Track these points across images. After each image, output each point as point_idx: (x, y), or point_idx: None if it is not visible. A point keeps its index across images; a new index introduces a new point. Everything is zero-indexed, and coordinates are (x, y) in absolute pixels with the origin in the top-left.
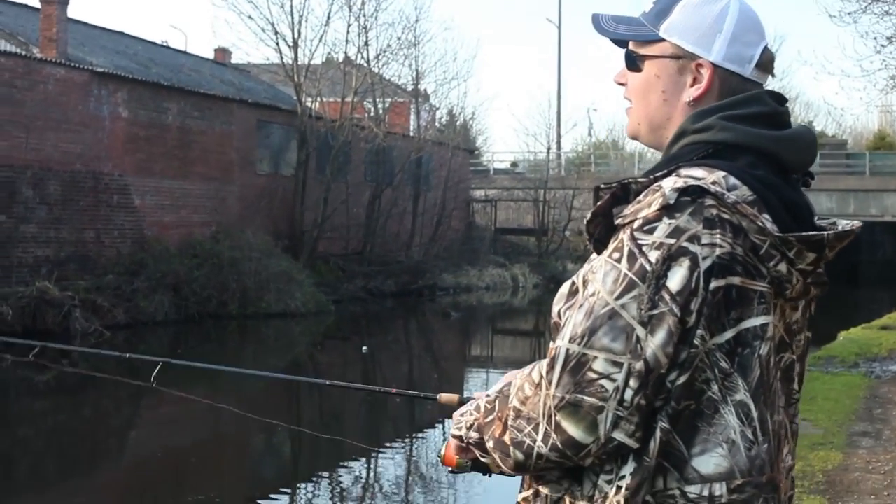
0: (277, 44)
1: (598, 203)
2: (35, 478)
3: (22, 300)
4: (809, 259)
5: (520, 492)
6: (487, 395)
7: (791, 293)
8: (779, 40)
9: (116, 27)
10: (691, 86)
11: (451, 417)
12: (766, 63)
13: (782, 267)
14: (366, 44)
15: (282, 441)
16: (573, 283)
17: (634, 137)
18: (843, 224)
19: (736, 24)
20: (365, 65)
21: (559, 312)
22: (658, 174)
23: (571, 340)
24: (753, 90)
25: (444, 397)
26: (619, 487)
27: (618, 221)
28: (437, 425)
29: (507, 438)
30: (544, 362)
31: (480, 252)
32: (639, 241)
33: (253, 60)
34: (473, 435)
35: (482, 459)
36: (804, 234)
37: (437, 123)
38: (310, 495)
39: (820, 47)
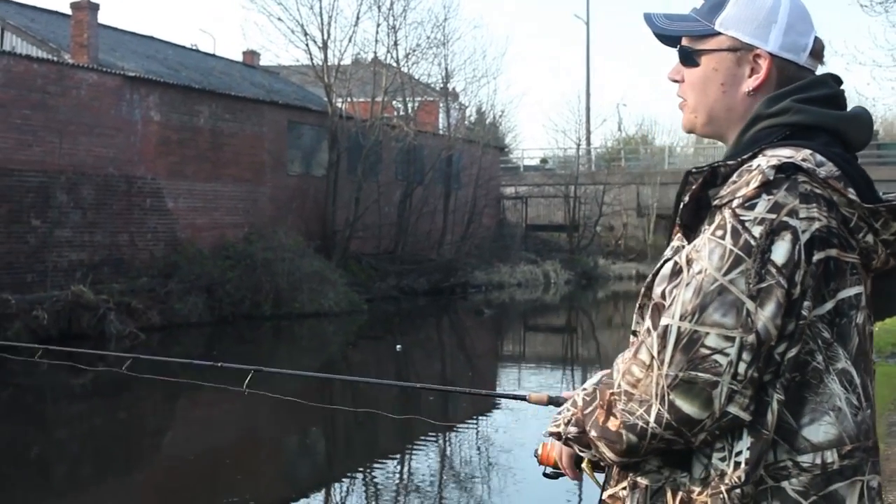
0: (307, 45)
1: (693, 187)
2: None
3: (57, 304)
4: (894, 229)
5: (605, 489)
6: (584, 389)
7: (876, 263)
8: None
9: (146, 32)
10: (750, 76)
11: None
12: (818, 51)
13: (869, 238)
14: (395, 43)
15: (336, 433)
16: (676, 263)
17: (690, 131)
18: None
19: (790, 14)
20: (394, 64)
21: (664, 293)
22: (745, 157)
23: (682, 318)
24: (810, 77)
25: (534, 396)
26: (737, 464)
27: (715, 202)
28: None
29: (613, 424)
30: (653, 342)
31: (512, 249)
32: (741, 218)
33: (282, 62)
34: (572, 430)
35: (581, 454)
36: (893, 202)
37: (466, 122)
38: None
39: (851, 37)
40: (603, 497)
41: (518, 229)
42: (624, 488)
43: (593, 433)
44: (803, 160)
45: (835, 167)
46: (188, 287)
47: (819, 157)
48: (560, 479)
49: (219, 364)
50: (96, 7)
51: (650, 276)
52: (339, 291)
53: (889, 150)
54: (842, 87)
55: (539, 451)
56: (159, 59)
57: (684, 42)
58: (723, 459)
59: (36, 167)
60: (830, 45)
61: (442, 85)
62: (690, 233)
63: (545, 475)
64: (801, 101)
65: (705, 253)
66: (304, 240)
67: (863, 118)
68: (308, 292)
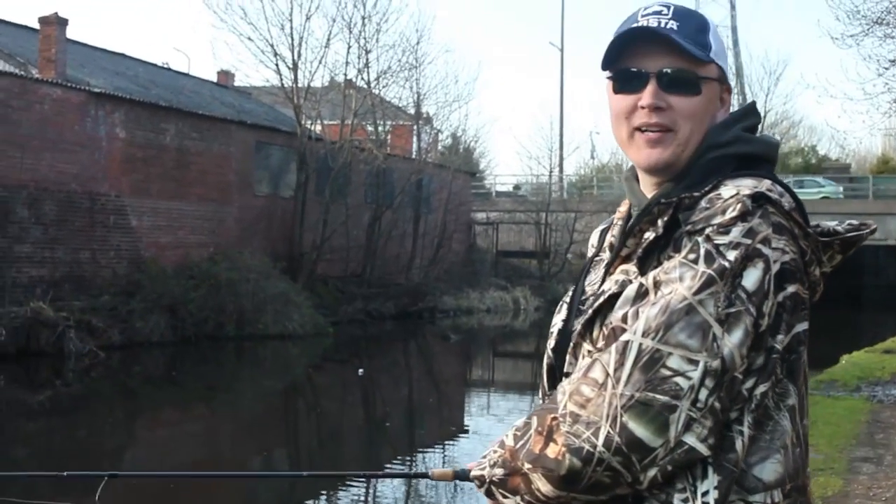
0: (277, 66)
1: (665, 218)
2: None
3: (16, 321)
4: (836, 262)
5: None
6: (514, 426)
7: (815, 297)
8: (782, 64)
9: (119, 49)
10: (720, 108)
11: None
12: None
13: (817, 271)
14: (366, 65)
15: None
16: (642, 285)
17: (668, 166)
18: (851, 223)
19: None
20: (365, 86)
21: (625, 316)
22: (706, 189)
23: (645, 335)
24: (748, 105)
25: (438, 473)
26: None
27: (687, 228)
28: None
29: (552, 451)
30: (609, 359)
31: (481, 275)
32: (716, 242)
33: (254, 83)
34: (498, 472)
35: (504, 501)
36: (847, 235)
37: (439, 146)
38: None
39: (822, 70)
40: None
41: (488, 255)
42: None
43: (527, 465)
44: (768, 191)
45: (791, 199)
46: (150, 306)
47: (779, 189)
48: None
49: (64, 473)
50: (65, 22)
51: (585, 313)
52: (305, 314)
53: (860, 184)
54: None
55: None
56: (129, 76)
57: (682, 66)
58: (685, 501)
59: None
60: (802, 78)
61: (414, 108)
62: (643, 265)
63: None
64: (746, 130)
65: (676, 275)
66: (270, 261)
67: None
68: (272, 314)
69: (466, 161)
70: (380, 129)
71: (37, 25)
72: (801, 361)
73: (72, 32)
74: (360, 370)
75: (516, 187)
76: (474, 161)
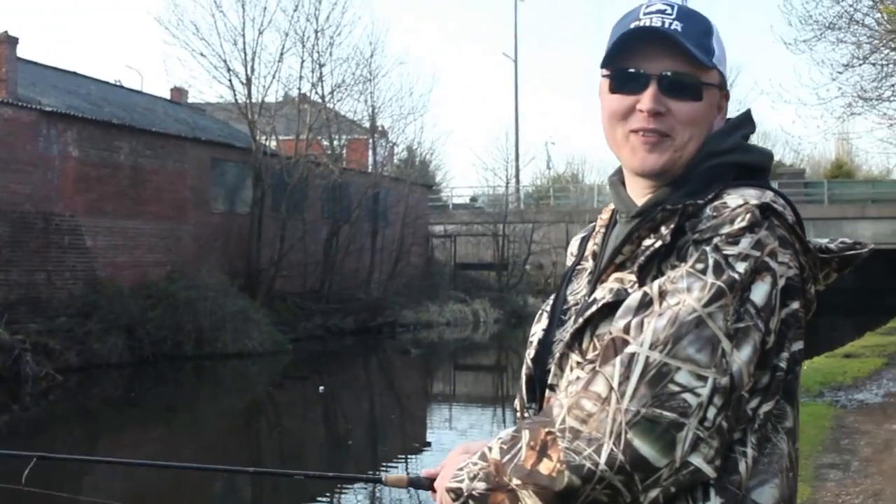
0: (230, 81)
1: (671, 225)
2: None
3: None
4: (831, 279)
5: None
6: (500, 439)
7: (808, 316)
8: (735, 70)
9: (71, 67)
10: (717, 115)
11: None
12: None
13: (812, 289)
14: (320, 79)
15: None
16: (646, 294)
17: (663, 171)
18: (844, 242)
19: None
20: (320, 101)
21: (627, 326)
22: (709, 196)
23: (653, 347)
24: (745, 113)
25: (391, 478)
26: None
27: (695, 236)
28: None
29: (546, 467)
30: (614, 372)
31: (440, 288)
32: (725, 253)
33: (208, 99)
34: (479, 485)
35: None
36: (845, 254)
37: (395, 159)
38: None
39: (776, 76)
40: None
41: (447, 268)
42: None
43: (516, 480)
44: (773, 202)
45: (791, 212)
46: (108, 327)
47: (781, 201)
48: None
49: None
50: (15, 41)
51: (575, 323)
52: (264, 331)
53: (815, 189)
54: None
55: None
56: (81, 94)
57: (685, 70)
58: None
59: None
60: (756, 84)
61: (369, 121)
62: (644, 274)
63: None
64: (744, 139)
65: (683, 285)
66: (227, 278)
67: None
68: (231, 332)
69: (423, 174)
70: (335, 143)
71: None
72: (797, 382)
73: (22, 51)
74: (321, 387)
75: (473, 199)
76: (430, 174)
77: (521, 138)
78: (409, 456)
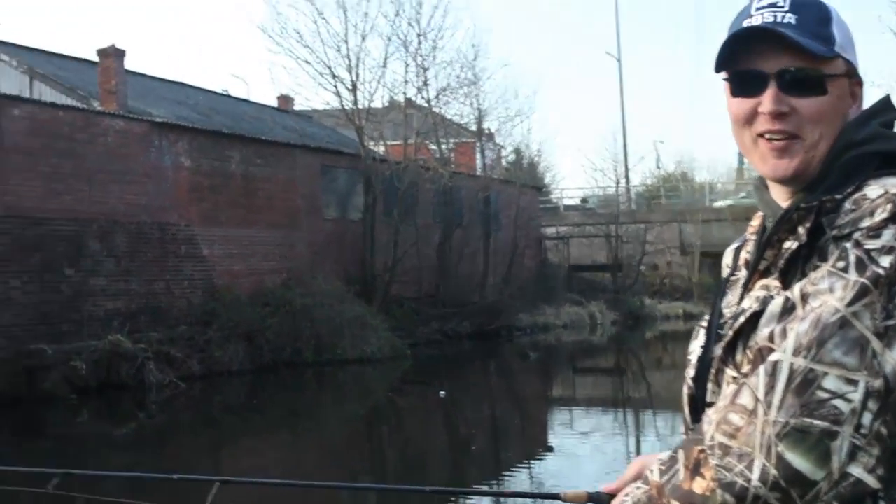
0: (336, 87)
1: (807, 225)
2: None
3: (95, 354)
4: None
5: None
6: (659, 460)
7: None
8: None
9: (177, 78)
10: (852, 105)
11: None
12: None
13: None
14: (425, 83)
15: None
16: (788, 300)
17: (797, 175)
18: None
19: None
20: (426, 105)
21: (772, 334)
22: (849, 190)
23: (796, 353)
24: (884, 99)
25: (570, 494)
26: None
27: (834, 233)
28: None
29: (700, 486)
30: (758, 382)
31: (556, 290)
32: (867, 247)
33: (314, 106)
34: None
35: None
36: None
37: (503, 161)
38: None
39: (887, 67)
40: None
41: (561, 270)
42: None
43: (673, 502)
44: None
45: None
46: (227, 334)
47: None
48: None
49: (174, 476)
50: (122, 53)
51: (726, 336)
52: (382, 337)
53: None
54: None
55: None
56: (189, 104)
57: (804, 64)
58: None
59: (67, 215)
60: (867, 76)
61: (475, 125)
62: (786, 278)
63: None
64: (885, 126)
65: (825, 286)
66: (343, 285)
67: None
68: (350, 338)
69: (531, 176)
70: (443, 147)
71: (95, 58)
72: None
73: (129, 63)
74: (442, 392)
75: (584, 200)
76: (539, 175)
77: (629, 137)
78: (533, 461)
